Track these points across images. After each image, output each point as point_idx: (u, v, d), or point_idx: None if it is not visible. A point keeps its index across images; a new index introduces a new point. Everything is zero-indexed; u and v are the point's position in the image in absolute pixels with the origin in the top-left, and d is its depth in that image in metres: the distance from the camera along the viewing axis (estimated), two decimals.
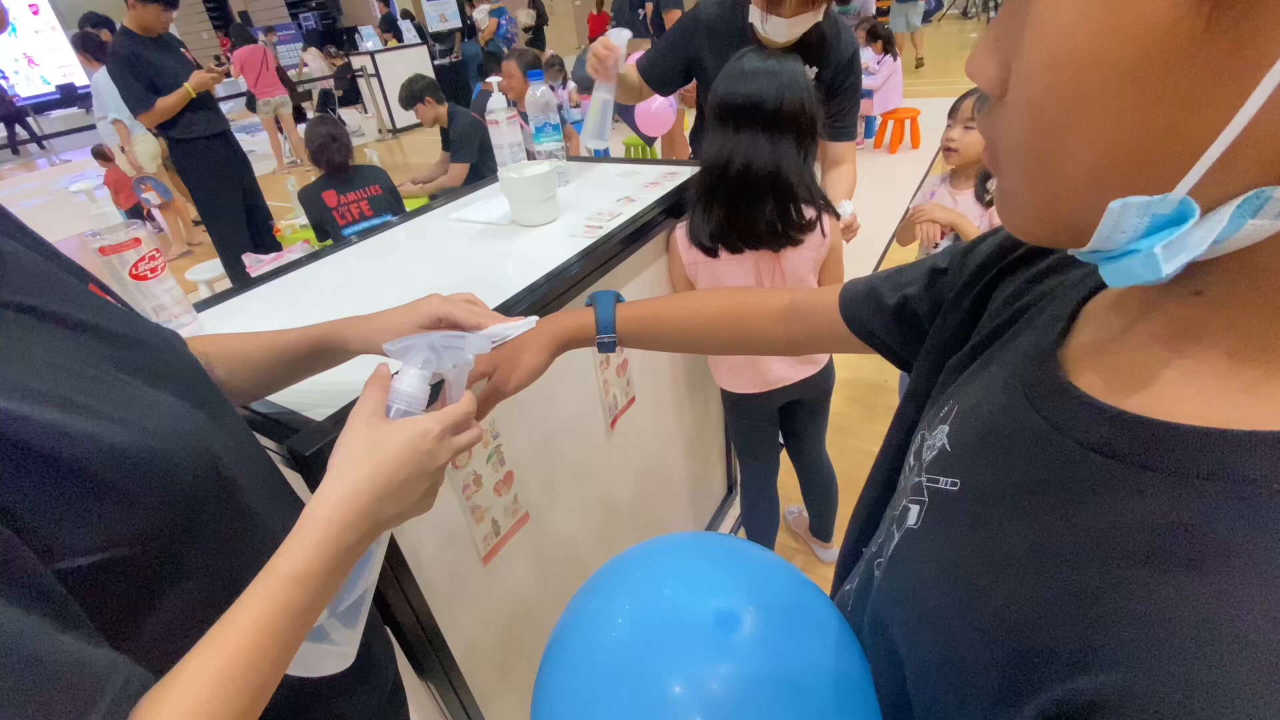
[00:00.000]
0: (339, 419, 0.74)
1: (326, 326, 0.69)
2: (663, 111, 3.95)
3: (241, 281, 1.21)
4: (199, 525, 0.44)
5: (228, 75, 6.61)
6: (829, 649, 0.38)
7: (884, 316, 0.55)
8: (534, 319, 0.68)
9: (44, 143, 10.59)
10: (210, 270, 3.58)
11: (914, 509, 0.37)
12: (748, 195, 1.16)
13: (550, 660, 0.45)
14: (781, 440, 1.67)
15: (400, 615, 0.83)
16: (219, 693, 0.36)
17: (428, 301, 0.68)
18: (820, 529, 1.84)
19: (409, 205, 3.13)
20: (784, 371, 1.39)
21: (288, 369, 0.70)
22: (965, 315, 0.43)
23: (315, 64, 8.59)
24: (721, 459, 1.96)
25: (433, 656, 0.90)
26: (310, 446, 0.69)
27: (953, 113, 1.61)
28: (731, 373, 1.43)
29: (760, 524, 1.73)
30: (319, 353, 0.69)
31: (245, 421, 0.58)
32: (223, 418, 0.53)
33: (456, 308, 0.67)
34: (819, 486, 1.73)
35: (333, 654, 0.51)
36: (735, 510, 2.05)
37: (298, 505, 0.62)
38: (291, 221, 3.40)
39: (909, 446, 0.45)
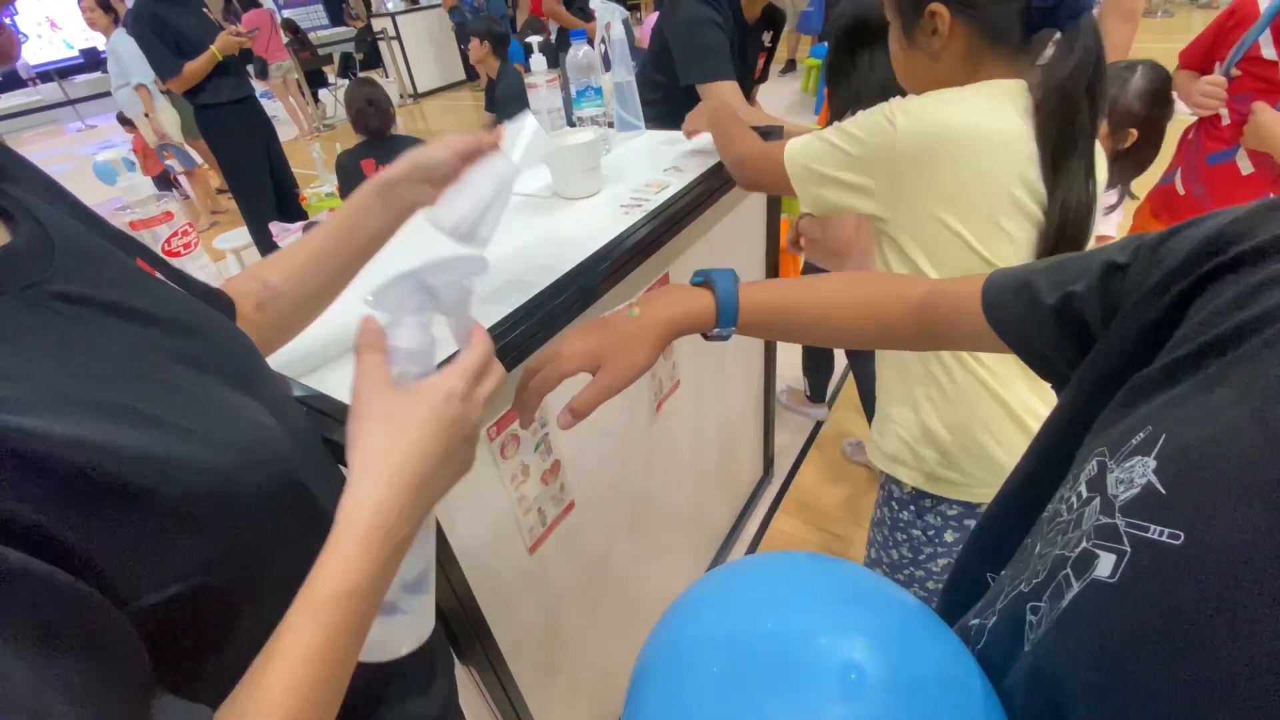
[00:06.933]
0: None
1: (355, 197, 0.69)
2: None
3: (269, 251, 1.15)
4: (277, 540, 0.41)
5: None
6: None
7: (1038, 317, 0.47)
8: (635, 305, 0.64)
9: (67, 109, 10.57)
10: (237, 239, 3.53)
11: (1106, 558, 0.30)
12: None
13: (638, 692, 0.41)
14: None
15: (446, 606, 0.80)
16: None
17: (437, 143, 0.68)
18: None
19: None
20: None
21: (349, 255, 0.70)
22: (1156, 322, 0.35)
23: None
24: (760, 440, 1.90)
25: (478, 646, 0.88)
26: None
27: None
28: None
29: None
30: (370, 212, 0.69)
31: (298, 403, 0.55)
32: (284, 409, 0.49)
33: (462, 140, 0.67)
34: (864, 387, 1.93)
35: (406, 627, 0.46)
36: (770, 492, 2.01)
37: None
38: (317, 189, 3.34)
39: (1064, 468, 0.38)
